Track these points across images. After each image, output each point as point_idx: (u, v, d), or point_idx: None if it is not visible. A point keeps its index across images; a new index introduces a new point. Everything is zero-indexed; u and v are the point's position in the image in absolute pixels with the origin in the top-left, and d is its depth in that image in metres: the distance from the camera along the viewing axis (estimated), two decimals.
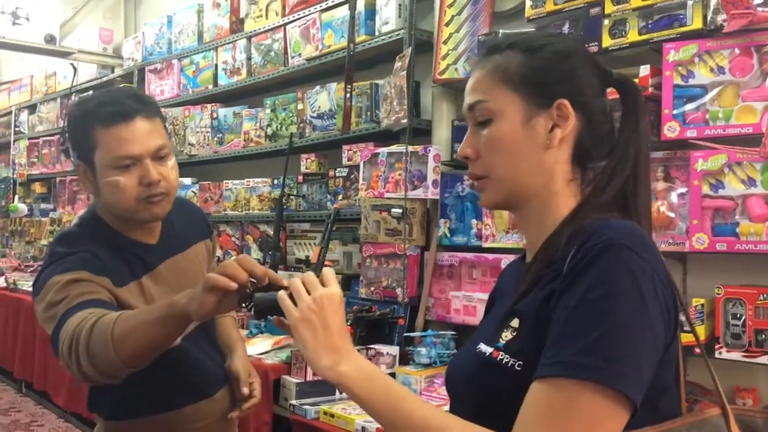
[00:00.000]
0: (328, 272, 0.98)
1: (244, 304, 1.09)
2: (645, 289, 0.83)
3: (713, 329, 2.06)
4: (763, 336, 1.96)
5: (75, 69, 5.40)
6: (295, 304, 0.95)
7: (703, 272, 2.23)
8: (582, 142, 0.99)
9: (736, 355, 1.99)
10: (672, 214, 2.21)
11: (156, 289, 1.60)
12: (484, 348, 0.95)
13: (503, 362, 0.91)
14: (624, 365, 0.80)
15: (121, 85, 4.94)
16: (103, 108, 1.51)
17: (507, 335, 0.93)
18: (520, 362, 0.89)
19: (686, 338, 2.06)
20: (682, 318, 0.96)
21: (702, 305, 2.07)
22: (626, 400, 0.81)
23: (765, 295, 1.96)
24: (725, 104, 2.08)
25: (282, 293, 0.96)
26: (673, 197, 2.20)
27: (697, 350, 1.02)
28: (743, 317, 1.99)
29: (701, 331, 2.05)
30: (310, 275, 0.96)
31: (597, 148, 1.01)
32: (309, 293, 0.94)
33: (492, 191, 1.01)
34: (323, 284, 0.96)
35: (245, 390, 1.74)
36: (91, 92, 4.98)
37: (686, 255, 2.21)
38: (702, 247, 2.07)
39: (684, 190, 2.16)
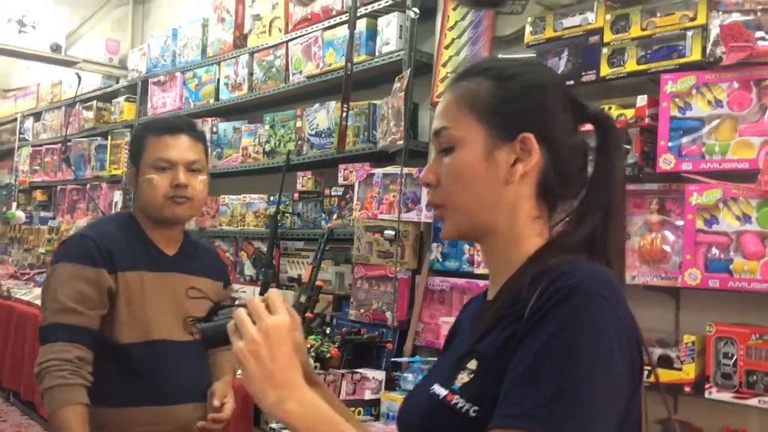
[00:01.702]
0: (275, 296, 0.91)
1: (194, 333, 1.03)
2: (610, 339, 0.79)
3: (704, 368, 2.00)
4: (755, 377, 1.90)
5: (79, 78, 5.41)
6: None
7: (696, 308, 2.18)
8: (547, 179, 0.95)
9: (726, 396, 1.94)
10: (667, 248, 2.17)
11: (153, 290, 1.82)
12: (439, 390, 0.90)
13: (457, 407, 0.86)
14: (583, 422, 0.76)
15: (119, 99, 4.98)
16: (159, 123, 1.94)
17: (463, 377, 0.89)
18: (476, 407, 0.85)
19: (674, 376, 2.03)
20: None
21: (693, 343, 2.02)
22: None
23: (758, 335, 1.90)
24: (722, 138, 2.04)
25: (231, 324, 0.90)
26: (668, 230, 2.16)
27: (653, 379, 0.96)
28: (735, 357, 1.94)
29: (691, 369, 2.00)
30: (256, 301, 0.90)
31: (565, 186, 0.96)
32: (255, 322, 0.88)
33: (450, 222, 0.97)
34: (270, 311, 0.90)
35: (216, 402, 1.83)
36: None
37: (679, 290, 2.16)
38: (694, 283, 2.02)
39: (679, 223, 2.12)
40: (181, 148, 1.84)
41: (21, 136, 6.85)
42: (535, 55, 2.52)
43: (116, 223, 1.92)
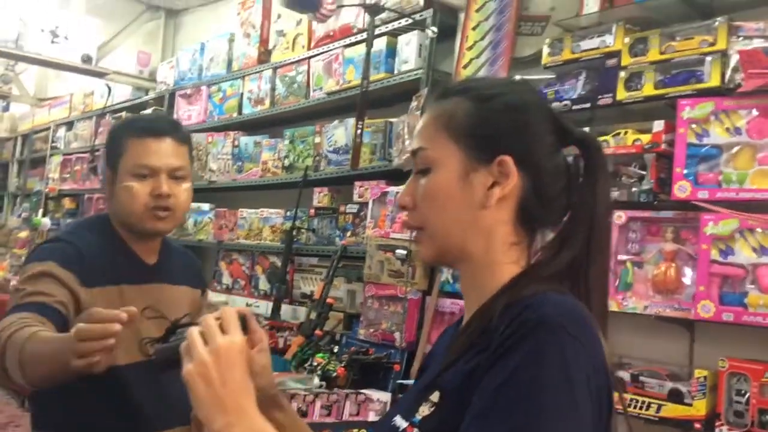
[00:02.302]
0: (229, 315, 0.87)
1: (148, 353, 0.98)
2: (576, 377, 0.75)
3: (715, 404, 1.93)
4: None
5: (110, 89, 5.50)
6: None
7: (710, 342, 2.11)
8: (526, 204, 0.91)
9: None
10: (683, 278, 2.10)
11: (134, 304, 1.53)
12: (399, 422, 0.87)
13: None
14: None
15: (147, 111, 5.03)
16: (139, 123, 1.75)
17: (424, 410, 0.85)
18: None
19: (684, 411, 1.95)
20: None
21: (705, 378, 1.95)
22: None
23: None
24: (740, 167, 1.98)
25: (185, 344, 0.86)
26: (683, 260, 2.10)
27: (619, 407, 0.91)
28: (747, 394, 1.86)
29: (702, 405, 1.93)
30: (209, 320, 0.86)
31: (545, 211, 0.92)
32: (207, 342, 0.85)
33: (426, 245, 0.94)
34: (223, 330, 0.86)
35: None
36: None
37: (694, 322, 2.09)
38: (708, 316, 1.95)
39: (694, 253, 2.05)
40: (164, 153, 1.66)
41: (53, 144, 6.98)
42: (554, 76, 2.49)
43: (94, 231, 1.70)
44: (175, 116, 4.92)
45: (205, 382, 0.82)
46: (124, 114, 5.63)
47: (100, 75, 5.25)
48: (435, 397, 0.85)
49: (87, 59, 4.91)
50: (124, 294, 1.64)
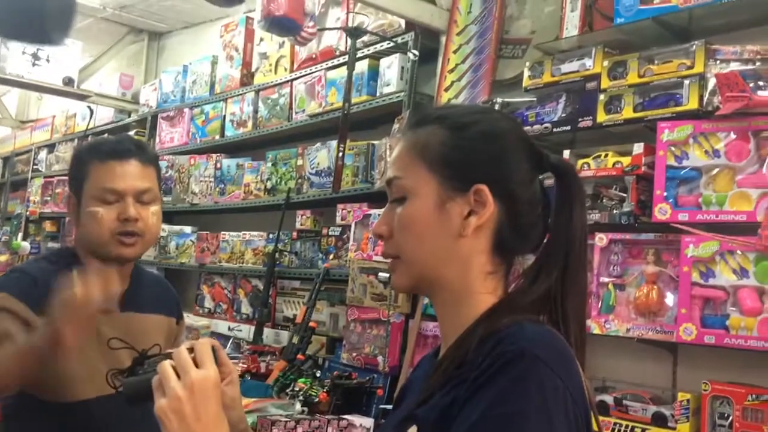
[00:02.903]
0: (203, 348, 0.86)
1: (115, 386, 0.95)
2: (554, 411, 0.74)
3: (698, 428, 1.92)
4: None
5: (92, 111, 5.46)
6: None
7: (693, 365, 2.10)
8: (503, 233, 0.90)
9: None
10: (666, 301, 2.10)
11: (98, 332, 1.52)
12: None
13: None
14: None
15: (130, 133, 5.01)
16: (103, 146, 1.66)
17: None
18: None
19: None
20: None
21: (688, 401, 1.94)
22: None
23: (754, 396, 1.82)
24: (719, 189, 1.99)
25: (156, 378, 0.85)
26: (664, 282, 2.10)
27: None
28: (730, 418, 1.85)
29: (685, 429, 1.92)
30: (182, 353, 0.85)
31: (521, 239, 0.92)
32: (179, 376, 0.83)
33: (402, 274, 0.93)
34: (196, 364, 0.84)
35: None
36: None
37: (676, 345, 2.09)
38: (689, 339, 1.95)
39: (675, 275, 2.05)
40: (130, 175, 1.59)
41: (34, 167, 6.91)
42: (534, 99, 2.50)
43: (54, 260, 1.65)
44: (157, 138, 4.91)
45: (178, 418, 0.81)
46: (106, 137, 5.61)
47: (82, 97, 5.21)
48: (413, 430, 0.83)
49: (69, 82, 4.88)
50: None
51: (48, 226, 6.55)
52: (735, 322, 1.88)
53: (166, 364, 0.84)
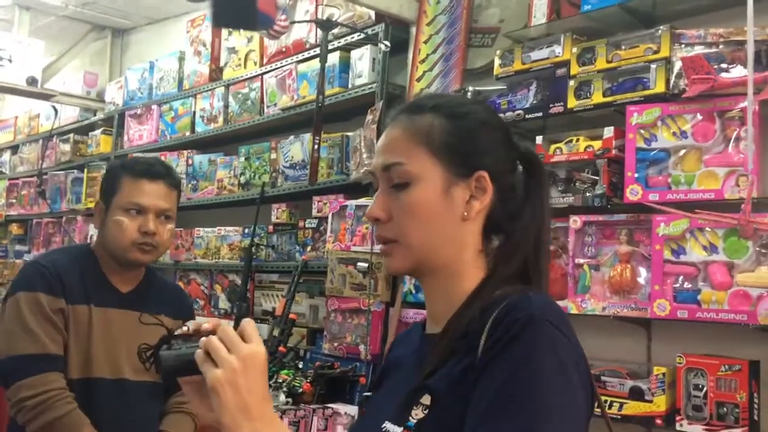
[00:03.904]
0: (249, 326, 0.88)
1: (146, 360, 0.96)
2: (569, 367, 0.82)
3: (674, 400, 1.99)
4: (725, 409, 1.89)
5: (56, 111, 5.38)
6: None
7: (667, 339, 2.17)
8: (495, 215, 0.97)
9: (697, 428, 1.92)
10: (639, 279, 2.16)
11: (99, 327, 1.81)
12: (392, 427, 0.89)
13: None
14: None
15: (96, 132, 4.98)
16: (139, 166, 1.90)
17: (418, 413, 0.87)
18: None
19: (645, 408, 2.01)
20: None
21: (663, 374, 2.01)
22: None
23: (727, 366, 1.90)
24: (688, 169, 2.06)
25: (200, 352, 0.86)
26: (637, 261, 2.16)
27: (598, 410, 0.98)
28: (705, 388, 1.93)
29: (662, 401, 1.99)
30: (228, 330, 0.86)
31: (511, 221, 0.98)
32: (230, 351, 0.84)
33: (401, 257, 0.97)
34: (244, 340, 0.86)
35: None
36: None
37: (650, 321, 2.16)
38: (663, 314, 2.02)
39: (648, 253, 2.12)
40: (156, 195, 1.85)
41: None
42: (505, 87, 2.55)
43: (71, 255, 1.90)
44: (125, 137, 4.86)
45: (233, 389, 0.82)
46: (72, 136, 5.52)
47: (47, 97, 5.12)
48: (426, 400, 0.88)
49: (32, 81, 4.79)
50: (92, 314, 1.81)
51: (15, 228, 6.44)
52: (706, 296, 1.96)
53: (215, 339, 0.85)
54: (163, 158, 4.33)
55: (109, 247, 1.87)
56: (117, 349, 1.82)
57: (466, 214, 0.95)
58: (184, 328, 0.94)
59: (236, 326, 0.89)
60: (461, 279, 0.96)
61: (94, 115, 5.51)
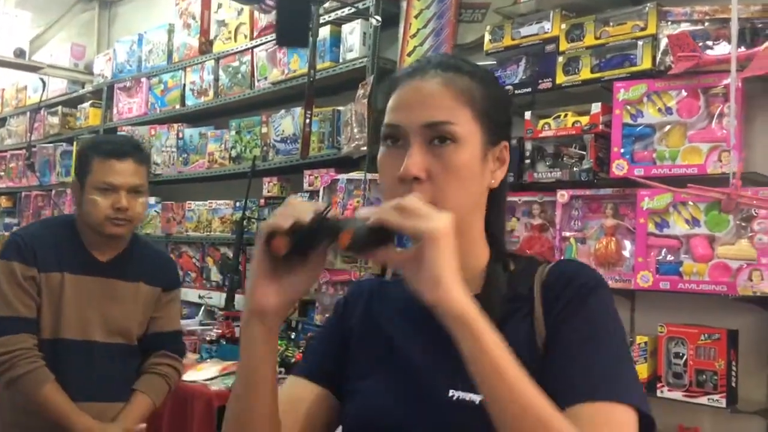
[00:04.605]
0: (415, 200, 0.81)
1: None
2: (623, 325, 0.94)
3: (656, 368, 2.06)
4: (704, 376, 1.97)
5: (44, 83, 5.35)
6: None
7: (649, 309, 2.24)
8: (500, 185, 0.99)
9: (677, 395, 1.99)
10: (624, 252, 2.22)
11: (71, 292, 1.94)
12: (465, 395, 0.86)
13: None
14: (639, 388, 0.88)
15: (85, 105, 4.96)
16: (106, 146, 2.00)
17: None
18: None
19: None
20: None
21: (645, 343, 2.08)
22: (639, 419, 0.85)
23: (706, 335, 1.97)
24: (672, 144, 2.11)
25: (394, 212, 0.77)
26: (622, 234, 2.22)
27: None
28: (685, 357, 2.00)
29: (644, 369, 2.06)
30: (414, 199, 0.79)
31: (506, 191, 1.04)
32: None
33: None
34: None
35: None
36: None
37: (634, 292, 2.22)
38: (646, 285, 2.08)
39: (632, 227, 2.18)
40: (125, 173, 1.95)
41: None
42: (494, 62, 2.57)
43: (49, 227, 2.07)
44: (114, 109, 4.85)
45: (449, 243, 0.78)
46: (60, 108, 5.50)
47: (34, 69, 5.10)
48: None
49: (20, 53, 4.77)
50: (65, 280, 1.94)
51: (3, 201, 6.42)
52: (688, 268, 2.02)
53: (409, 198, 0.80)
54: (152, 131, 4.35)
55: (86, 222, 1.99)
56: (89, 312, 1.95)
57: (493, 181, 0.96)
58: (331, 211, 0.83)
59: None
60: (475, 245, 0.97)
61: (83, 87, 5.48)
